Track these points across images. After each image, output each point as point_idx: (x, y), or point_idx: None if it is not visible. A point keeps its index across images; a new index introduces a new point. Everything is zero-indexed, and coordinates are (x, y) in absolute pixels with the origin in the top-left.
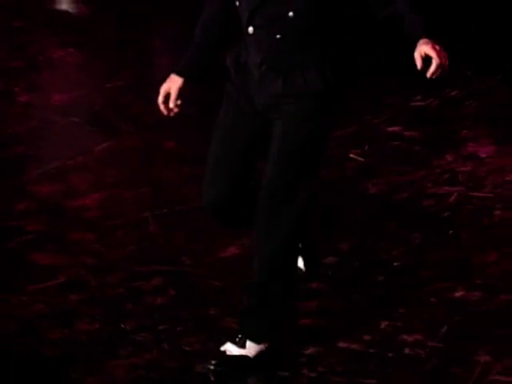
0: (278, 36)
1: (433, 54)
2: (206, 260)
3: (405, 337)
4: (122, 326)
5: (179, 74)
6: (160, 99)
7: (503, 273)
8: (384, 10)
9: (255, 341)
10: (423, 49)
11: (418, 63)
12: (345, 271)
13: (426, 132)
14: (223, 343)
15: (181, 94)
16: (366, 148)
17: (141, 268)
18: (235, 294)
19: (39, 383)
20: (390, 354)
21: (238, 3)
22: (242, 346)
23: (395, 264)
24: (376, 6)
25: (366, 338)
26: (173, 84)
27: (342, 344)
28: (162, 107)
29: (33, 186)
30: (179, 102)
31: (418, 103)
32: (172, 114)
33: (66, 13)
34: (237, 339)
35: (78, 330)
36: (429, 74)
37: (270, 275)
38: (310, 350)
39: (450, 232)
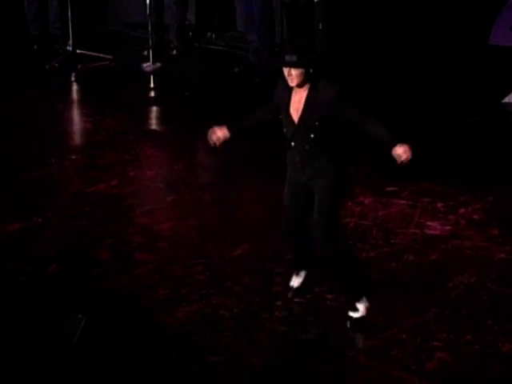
0: (307, 147)
1: (403, 155)
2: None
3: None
4: None
5: (228, 127)
6: (214, 137)
7: None
8: (366, 130)
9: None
10: (397, 150)
11: (398, 159)
12: None
13: None
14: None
15: (225, 137)
16: None
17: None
18: None
19: None
20: None
21: (285, 130)
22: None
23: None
24: (360, 128)
25: None
26: (223, 131)
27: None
28: (213, 139)
29: (140, 219)
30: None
31: None
32: (216, 145)
33: None
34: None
35: None
36: (399, 162)
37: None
38: None
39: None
